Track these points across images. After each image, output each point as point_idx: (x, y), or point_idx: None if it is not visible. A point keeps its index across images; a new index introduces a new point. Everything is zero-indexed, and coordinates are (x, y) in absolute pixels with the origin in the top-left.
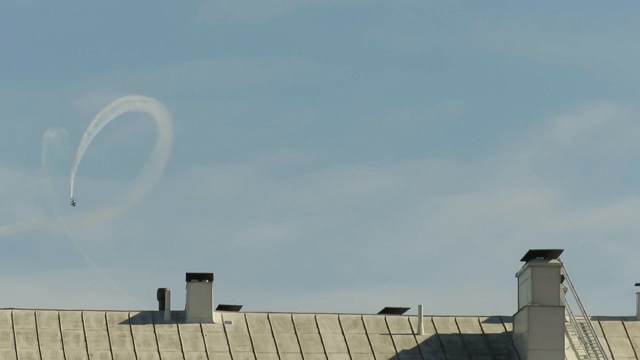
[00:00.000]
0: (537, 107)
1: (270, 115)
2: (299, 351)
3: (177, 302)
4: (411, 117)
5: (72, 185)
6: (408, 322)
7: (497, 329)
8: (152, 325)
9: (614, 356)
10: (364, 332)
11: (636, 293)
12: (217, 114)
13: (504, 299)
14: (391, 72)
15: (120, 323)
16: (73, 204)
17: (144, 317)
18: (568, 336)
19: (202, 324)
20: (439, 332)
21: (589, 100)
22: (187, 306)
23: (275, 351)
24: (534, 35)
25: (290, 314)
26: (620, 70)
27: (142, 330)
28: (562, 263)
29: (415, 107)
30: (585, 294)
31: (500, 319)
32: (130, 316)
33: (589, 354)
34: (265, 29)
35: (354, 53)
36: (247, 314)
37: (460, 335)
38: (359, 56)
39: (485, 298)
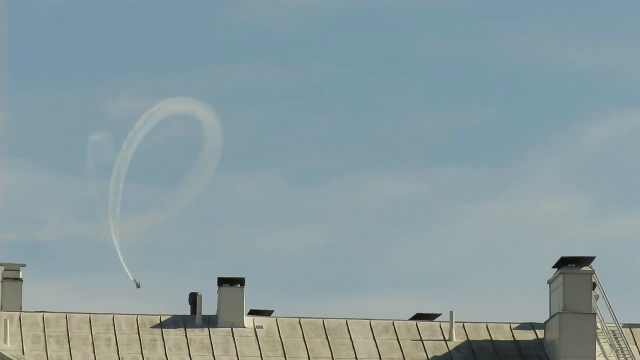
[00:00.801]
0: (564, 115)
1: (298, 121)
2: (330, 356)
3: (208, 307)
4: (438, 123)
5: (119, 192)
6: (439, 328)
7: (528, 335)
8: (183, 329)
9: None
10: (396, 337)
11: None
12: (242, 119)
13: (535, 305)
14: (418, 78)
15: (151, 327)
16: (138, 286)
17: (176, 321)
18: (599, 343)
19: (234, 329)
20: (470, 339)
21: (616, 108)
22: (218, 310)
23: (307, 356)
24: (561, 42)
25: (321, 319)
26: None
27: (174, 335)
28: (593, 270)
29: (442, 114)
30: (616, 301)
31: (532, 326)
32: (161, 320)
33: None
34: (290, 33)
35: (380, 58)
36: (278, 318)
37: (491, 341)
38: (385, 62)
39: (516, 304)
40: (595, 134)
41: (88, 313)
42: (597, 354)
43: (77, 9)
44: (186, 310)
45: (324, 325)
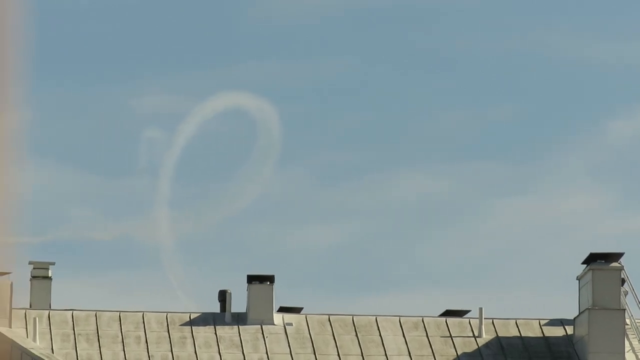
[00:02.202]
0: (590, 110)
1: (325, 117)
2: (360, 353)
3: (238, 304)
4: (465, 119)
5: (166, 188)
6: (469, 325)
7: (557, 331)
8: (213, 326)
9: None
10: (425, 334)
11: None
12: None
13: (564, 301)
14: (444, 74)
15: (181, 325)
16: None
17: (205, 319)
18: (628, 339)
19: (263, 326)
20: (499, 335)
21: None
22: (248, 308)
23: (336, 353)
24: (587, 37)
25: (351, 316)
26: None
27: (203, 332)
28: (622, 266)
29: (469, 110)
30: None
31: (561, 322)
32: (191, 318)
33: None
34: (317, 30)
35: (407, 55)
36: (308, 315)
37: (520, 337)
38: (412, 58)
39: (545, 301)
40: (620, 129)
41: (118, 311)
42: (626, 349)
43: (101, 7)
44: (216, 307)
45: (353, 322)
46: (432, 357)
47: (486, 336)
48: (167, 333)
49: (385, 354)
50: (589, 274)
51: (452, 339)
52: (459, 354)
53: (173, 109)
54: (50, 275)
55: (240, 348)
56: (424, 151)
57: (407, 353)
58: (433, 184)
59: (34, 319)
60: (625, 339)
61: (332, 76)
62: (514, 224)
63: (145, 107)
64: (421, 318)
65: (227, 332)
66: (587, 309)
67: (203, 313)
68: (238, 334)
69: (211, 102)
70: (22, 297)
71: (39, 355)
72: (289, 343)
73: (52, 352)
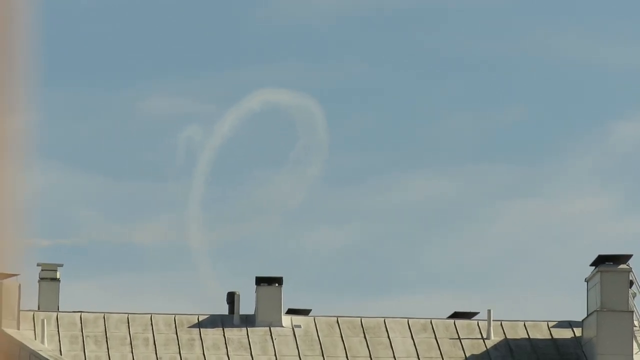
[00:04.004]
0: (597, 113)
1: (331, 119)
2: (368, 355)
3: (246, 306)
4: (472, 121)
5: (200, 191)
6: (477, 327)
7: (566, 333)
8: (221, 329)
9: None
10: (433, 336)
11: None
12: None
13: (573, 303)
14: (452, 76)
15: (189, 327)
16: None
17: (214, 321)
18: (637, 341)
19: (272, 328)
20: (508, 337)
21: None
22: (256, 310)
23: (345, 355)
24: (594, 40)
25: (359, 318)
26: None
27: (212, 334)
28: (631, 268)
29: (476, 112)
30: None
31: (569, 324)
32: (199, 320)
33: None
34: (325, 32)
35: (415, 57)
36: (316, 317)
37: (529, 339)
38: (419, 60)
39: (554, 303)
40: (626, 131)
41: (126, 313)
42: (634, 351)
43: (107, 9)
44: (224, 309)
45: (361, 324)
46: (441, 359)
47: (494, 338)
48: (175, 335)
49: (394, 356)
50: (597, 276)
51: (460, 341)
52: (467, 356)
53: (179, 111)
54: (58, 277)
55: (249, 350)
56: (431, 153)
57: (415, 355)
58: (440, 186)
59: (42, 320)
60: (634, 340)
61: (339, 78)
62: (522, 226)
63: (151, 110)
64: (429, 320)
65: (235, 334)
66: (595, 310)
67: (211, 315)
68: (246, 336)
69: (245, 102)
70: (31, 299)
71: (47, 357)
72: (297, 345)
73: (61, 354)
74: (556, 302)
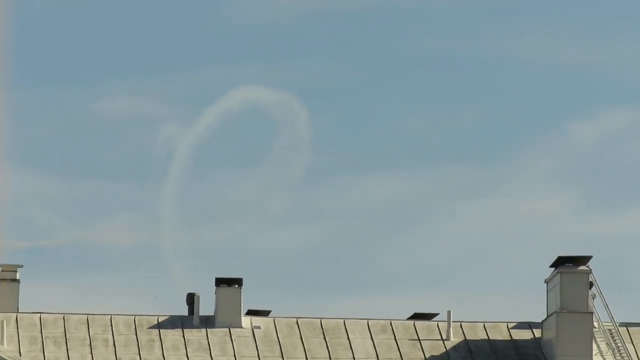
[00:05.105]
0: (554, 113)
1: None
2: (328, 356)
3: (206, 307)
4: (429, 122)
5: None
6: (437, 328)
7: (525, 335)
8: (181, 329)
9: None
10: (393, 337)
11: None
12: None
13: (532, 305)
14: (408, 76)
15: (149, 327)
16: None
17: (173, 322)
18: (596, 342)
19: (231, 329)
20: (467, 338)
21: (605, 106)
22: (216, 311)
23: (304, 356)
24: (550, 40)
25: (319, 319)
26: (636, 76)
27: (171, 335)
28: (590, 269)
29: (432, 112)
30: (613, 300)
31: (529, 325)
32: (159, 321)
33: None
34: (281, 31)
35: (370, 57)
36: (276, 319)
37: (488, 341)
38: (375, 60)
39: (513, 304)
40: (584, 131)
41: (86, 314)
42: (593, 352)
43: (63, 8)
44: (184, 310)
45: (321, 325)
46: None
47: (454, 339)
48: (135, 336)
49: (354, 357)
50: (557, 277)
51: (420, 342)
52: (426, 357)
53: (134, 112)
54: (18, 278)
55: (209, 351)
56: (390, 153)
57: (375, 356)
58: (399, 186)
59: (2, 321)
60: (593, 342)
61: (297, 78)
62: (480, 226)
63: (106, 110)
64: (389, 321)
65: (195, 335)
66: (555, 312)
67: (171, 316)
68: (206, 337)
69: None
70: None
71: (6, 358)
72: (257, 346)
73: (20, 355)
74: (516, 303)
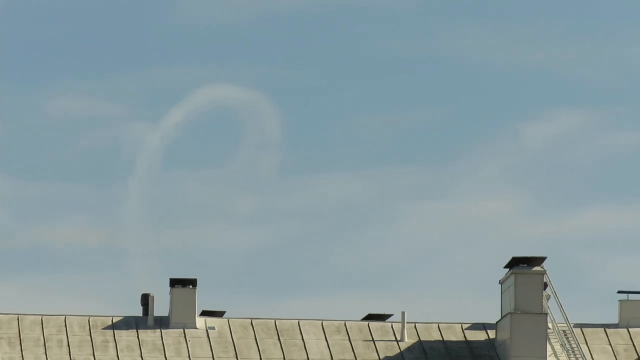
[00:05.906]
0: (505, 114)
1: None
2: (282, 357)
3: (160, 308)
4: (380, 123)
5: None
6: (391, 329)
7: (480, 335)
8: (135, 330)
9: None
10: (347, 338)
11: (618, 300)
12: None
13: (487, 306)
14: (360, 78)
15: (103, 328)
16: None
17: (128, 323)
18: (550, 343)
19: (186, 330)
20: (422, 339)
21: (557, 107)
22: (170, 312)
23: (259, 357)
24: (501, 42)
25: (273, 320)
26: (587, 78)
27: (126, 336)
28: (545, 270)
29: (384, 114)
30: (567, 301)
31: (483, 326)
32: (113, 321)
33: None
34: (234, 33)
35: (323, 59)
36: (230, 319)
37: (443, 342)
38: (328, 62)
39: (468, 305)
40: (535, 133)
41: (40, 314)
42: (548, 353)
43: (16, 8)
44: (138, 311)
45: (275, 326)
46: None
47: (408, 340)
48: (89, 336)
49: (308, 358)
50: (511, 278)
51: (374, 343)
52: (381, 358)
53: (87, 112)
54: None
55: (163, 352)
56: (342, 155)
57: (329, 357)
58: (351, 187)
59: None
60: (548, 343)
61: (249, 79)
62: (434, 227)
63: (58, 110)
64: (343, 322)
65: (149, 335)
66: (509, 313)
67: (125, 317)
68: (160, 338)
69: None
70: None
71: None
72: (211, 347)
73: None
74: (470, 304)
